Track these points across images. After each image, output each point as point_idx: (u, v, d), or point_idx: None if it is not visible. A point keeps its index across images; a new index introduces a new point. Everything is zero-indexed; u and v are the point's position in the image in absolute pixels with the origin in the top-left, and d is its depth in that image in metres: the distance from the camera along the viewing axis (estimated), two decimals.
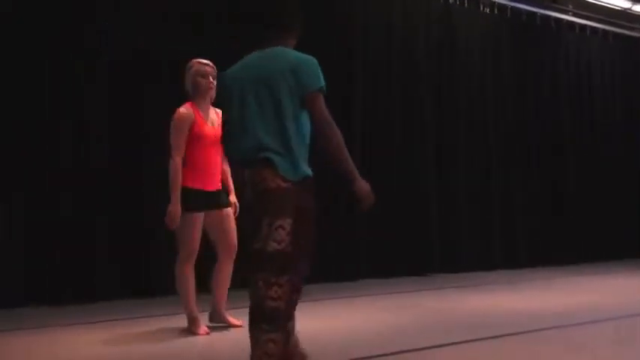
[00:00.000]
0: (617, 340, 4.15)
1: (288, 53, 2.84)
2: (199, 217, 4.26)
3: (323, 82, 2.79)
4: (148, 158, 6.00)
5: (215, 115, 4.41)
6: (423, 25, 8.23)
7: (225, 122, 2.95)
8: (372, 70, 7.74)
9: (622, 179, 10.10)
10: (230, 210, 4.43)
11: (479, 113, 8.68)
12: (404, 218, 7.66)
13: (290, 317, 2.86)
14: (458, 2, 8.68)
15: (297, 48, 2.96)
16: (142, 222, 5.97)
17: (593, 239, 9.53)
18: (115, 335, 4.31)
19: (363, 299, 6.01)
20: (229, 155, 3.02)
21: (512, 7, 9.15)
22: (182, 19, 6.29)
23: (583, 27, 9.94)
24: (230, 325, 4.40)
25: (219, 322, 4.44)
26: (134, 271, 5.96)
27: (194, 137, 4.25)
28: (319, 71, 2.80)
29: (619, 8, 10.05)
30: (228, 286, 4.47)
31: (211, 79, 4.36)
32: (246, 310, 2.74)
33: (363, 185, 2.78)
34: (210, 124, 4.34)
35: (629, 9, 10.10)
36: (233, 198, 4.50)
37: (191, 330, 4.28)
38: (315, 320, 4.52)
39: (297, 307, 2.93)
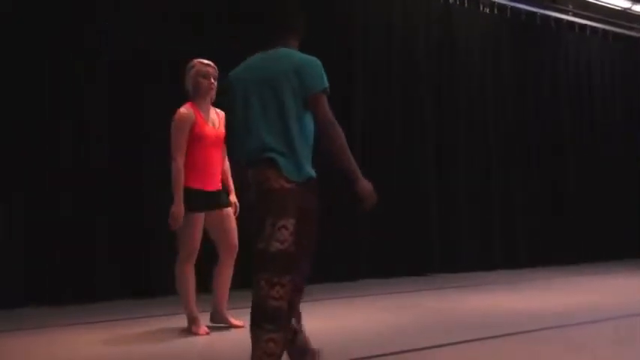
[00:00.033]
0: (617, 340, 4.15)
1: (291, 54, 2.85)
2: (200, 217, 4.26)
3: (327, 84, 2.80)
4: (148, 158, 6.00)
5: (215, 115, 4.41)
6: (423, 25, 8.23)
7: (228, 123, 2.96)
8: (372, 70, 7.74)
9: (622, 179, 10.10)
10: (230, 210, 4.43)
11: (479, 113, 8.68)
12: (404, 218, 7.66)
13: (291, 317, 2.86)
14: (458, 2, 8.68)
15: (298, 48, 2.96)
16: (142, 222, 5.98)
17: (593, 239, 9.53)
18: (115, 335, 4.31)
19: (363, 299, 6.01)
20: (233, 156, 3.02)
21: (512, 7, 9.15)
22: (182, 19, 6.29)
23: (583, 27, 9.94)
24: (231, 326, 4.40)
25: (220, 323, 4.44)
26: (134, 271, 5.96)
27: (195, 137, 4.25)
28: (323, 72, 2.81)
29: (619, 8, 10.05)
30: (229, 287, 4.47)
31: (212, 80, 4.36)
32: (248, 311, 2.75)
33: (366, 185, 2.79)
34: (210, 125, 4.34)
35: (629, 9, 10.10)
36: (233, 198, 4.50)
37: (191, 330, 4.28)
38: (315, 320, 4.50)
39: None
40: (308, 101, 2.78)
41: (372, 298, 6.05)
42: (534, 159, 9.22)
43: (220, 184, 4.43)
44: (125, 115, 6.02)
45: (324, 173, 2.91)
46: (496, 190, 8.76)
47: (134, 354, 3.83)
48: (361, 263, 7.37)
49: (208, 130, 4.31)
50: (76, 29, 5.87)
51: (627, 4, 10.01)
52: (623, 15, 10.26)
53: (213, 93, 4.37)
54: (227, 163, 4.50)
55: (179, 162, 4.20)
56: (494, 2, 9.00)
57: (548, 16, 9.53)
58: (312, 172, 2.82)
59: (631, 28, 10.50)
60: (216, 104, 4.43)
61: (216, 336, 4.25)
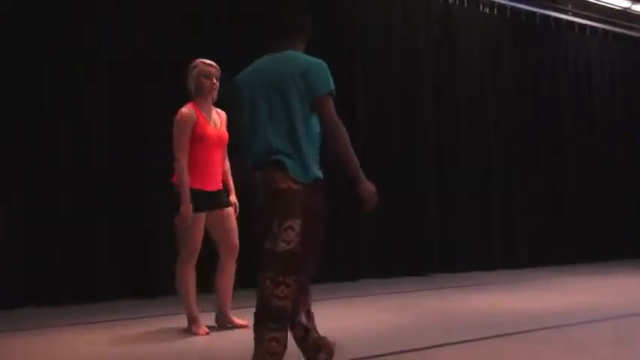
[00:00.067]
0: (616, 339, 4.15)
1: (298, 57, 2.87)
2: (201, 218, 4.26)
3: (332, 86, 2.83)
4: (148, 158, 6.01)
5: (217, 115, 4.41)
6: (423, 25, 8.23)
7: (235, 126, 2.98)
8: (372, 70, 7.74)
9: (622, 179, 10.10)
10: (231, 209, 4.43)
11: (479, 113, 8.69)
12: (404, 218, 7.66)
13: (293, 317, 2.88)
14: (458, 2, 8.68)
15: (304, 50, 2.98)
16: (142, 222, 5.98)
17: (593, 239, 9.53)
18: (115, 335, 4.31)
19: (363, 299, 6.01)
20: (242, 158, 3.03)
21: (512, 7, 9.15)
22: (182, 19, 6.30)
23: (583, 27, 9.94)
24: (236, 326, 4.39)
25: (225, 324, 4.42)
26: (134, 271, 5.96)
27: (196, 138, 4.25)
28: (329, 75, 2.85)
29: (619, 8, 10.06)
30: (232, 286, 4.47)
31: (215, 80, 4.36)
32: (251, 310, 2.75)
33: (369, 187, 2.83)
34: (212, 125, 4.34)
35: (629, 9, 10.10)
36: (233, 198, 4.51)
37: (191, 330, 4.28)
38: (316, 320, 4.50)
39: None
40: (314, 103, 2.80)
41: (372, 298, 6.05)
42: (534, 159, 9.23)
43: (221, 184, 4.43)
44: (125, 115, 6.02)
45: (329, 174, 2.92)
46: (496, 190, 8.76)
47: (134, 354, 3.83)
48: (361, 263, 7.37)
49: (210, 130, 4.31)
50: (76, 29, 5.87)
51: (627, 4, 10.02)
52: (623, 15, 10.26)
53: (215, 93, 4.37)
54: (227, 163, 4.51)
55: (182, 162, 4.19)
56: (494, 2, 9.01)
57: (548, 16, 9.53)
58: (319, 174, 2.84)
59: (631, 28, 10.50)
60: (217, 105, 4.44)
61: (216, 336, 4.25)
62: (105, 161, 5.91)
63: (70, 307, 5.46)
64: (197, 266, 4.35)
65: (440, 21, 8.41)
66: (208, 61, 4.39)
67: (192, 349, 3.99)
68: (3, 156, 5.54)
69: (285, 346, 2.73)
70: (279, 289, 2.69)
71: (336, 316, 4.97)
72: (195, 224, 4.22)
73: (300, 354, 2.98)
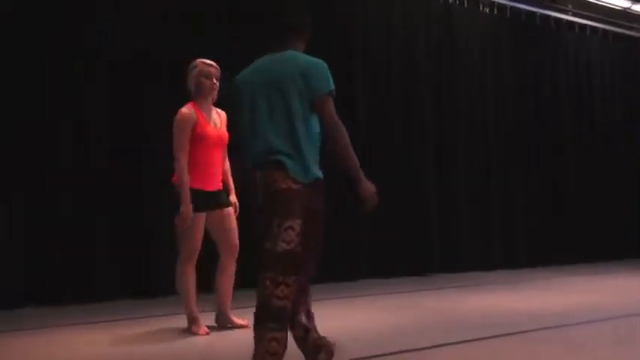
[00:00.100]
0: (616, 339, 4.15)
1: (298, 57, 2.88)
2: (201, 218, 4.26)
3: (332, 86, 2.84)
4: (148, 158, 6.01)
5: (217, 115, 4.41)
6: (423, 25, 8.23)
7: (235, 126, 2.98)
8: (372, 70, 7.74)
9: (622, 179, 10.10)
10: (231, 209, 4.43)
11: (479, 113, 8.68)
12: (404, 218, 7.66)
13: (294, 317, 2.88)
14: (458, 2, 8.68)
15: (304, 50, 2.99)
16: (142, 222, 5.98)
17: (593, 239, 9.53)
18: (115, 335, 4.31)
19: (363, 299, 6.01)
20: (242, 158, 3.04)
21: (512, 7, 9.15)
22: (182, 19, 6.30)
23: (583, 27, 9.94)
24: (236, 326, 4.39)
25: (225, 324, 4.42)
26: (134, 271, 5.96)
27: (197, 138, 4.25)
28: (329, 75, 2.85)
29: (619, 8, 10.06)
30: (232, 286, 4.47)
31: (215, 80, 4.36)
32: (251, 310, 2.76)
33: (369, 187, 2.83)
34: (212, 125, 4.34)
35: (629, 9, 10.10)
36: (233, 198, 4.51)
37: (191, 330, 4.28)
38: (315, 320, 4.51)
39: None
40: (314, 103, 2.81)
41: (372, 298, 6.05)
42: (534, 159, 9.23)
43: (221, 184, 4.43)
44: (125, 115, 6.02)
45: (329, 174, 2.92)
46: (496, 190, 8.76)
47: (134, 354, 3.83)
48: (361, 263, 7.37)
49: (210, 130, 4.31)
50: (76, 29, 5.87)
51: (627, 4, 10.02)
52: (623, 15, 10.26)
53: (215, 93, 4.37)
54: (227, 163, 4.51)
55: (183, 162, 4.19)
56: (494, 2, 9.01)
57: (548, 16, 9.53)
58: (319, 174, 2.85)
59: (631, 28, 10.50)
60: (217, 105, 4.44)
61: (216, 336, 4.25)
62: (105, 161, 5.91)
63: (70, 307, 5.46)
64: (197, 266, 4.35)
65: (440, 21, 8.41)
66: (208, 61, 4.39)
67: (192, 349, 3.99)
68: (3, 156, 5.54)
69: (285, 346, 2.73)
70: (279, 289, 2.69)
71: (336, 316, 4.96)
72: (195, 224, 4.22)
73: (300, 354, 2.98)
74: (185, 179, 4.17)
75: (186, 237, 4.24)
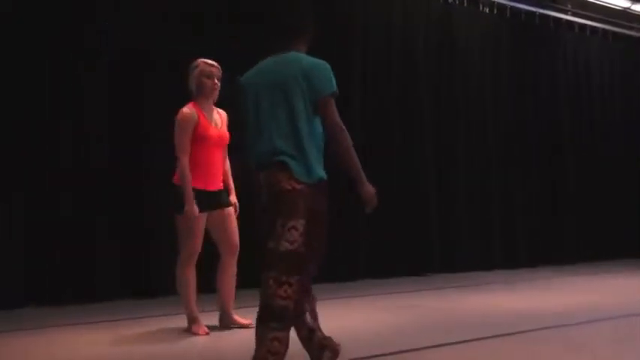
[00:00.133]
0: (616, 339, 4.15)
1: (300, 58, 2.89)
2: (202, 218, 4.26)
3: (335, 87, 2.86)
4: (148, 158, 6.01)
5: (218, 115, 4.42)
6: (423, 25, 8.23)
7: (240, 126, 3.00)
8: (372, 70, 7.74)
9: (622, 179, 10.10)
10: (231, 209, 4.44)
11: (478, 113, 8.69)
12: (404, 218, 7.66)
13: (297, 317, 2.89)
14: (457, 2, 8.68)
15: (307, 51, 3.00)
16: (142, 222, 5.98)
17: (593, 239, 9.53)
18: (115, 335, 4.31)
19: (362, 299, 6.01)
20: (246, 159, 3.05)
21: (512, 7, 9.15)
22: (182, 19, 6.29)
23: (582, 26, 9.94)
24: (240, 326, 4.39)
25: (228, 324, 4.42)
26: (134, 271, 5.96)
27: (198, 138, 4.25)
28: (331, 76, 2.87)
29: (618, 8, 10.06)
30: (235, 286, 4.47)
31: (216, 80, 4.36)
32: (254, 310, 2.76)
33: (369, 189, 2.86)
34: (213, 125, 4.35)
35: (629, 8, 10.10)
36: (233, 198, 4.51)
37: (191, 330, 4.29)
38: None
39: None
40: (317, 104, 2.82)
41: (371, 298, 6.05)
42: (534, 159, 9.23)
43: (222, 184, 4.43)
44: (125, 115, 6.02)
45: (331, 175, 2.93)
46: (496, 190, 8.76)
47: (134, 354, 3.83)
48: (361, 263, 7.37)
49: (211, 130, 4.31)
50: (76, 29, 5.87)
51: (627, 4, 10.02)
52: (623, 15, 10.26)
53: (217, 93, 4.38)
54: (228, 163, 4.52)
55: (184, 161, 4.20)
56: (494, 2, 9.00)
57: (548, 16, 9.53)
58: (323, 174, 2.86)
59: (631, 28, 10.50)
60: (217, 105, 4.44)
61: (216, 336, 4.25)
62: (105, 161, 5.91)
63: (70, 307, 5.46)
64: (198, 266, 4.35)
65: (440, 21, 8.40)
66: (210, 61, 4.39)
67: (193, 349, 3.99)
68: (3, 156, 5.53)
69: (286, 346, 2.74)
70: (282, 288, 2.70)
71: (335, 316, 4.96)
72: (196, 224, 4.23)
73: (305, 354, 2.99)
74: (188, 178, 4.17)
75: (188, 237, 4.25)
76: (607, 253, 9.50)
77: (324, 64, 2.87)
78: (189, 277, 4.30)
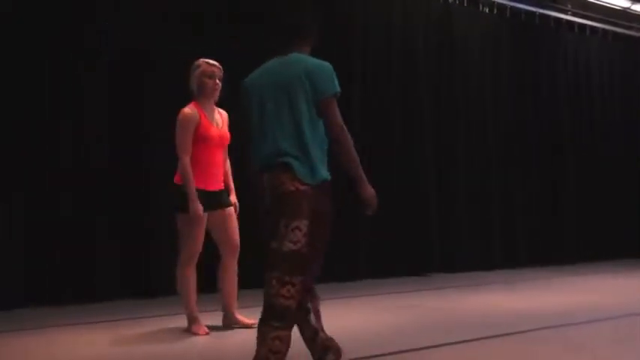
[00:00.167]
0: (616, 339, 4.15)
1: (303, 59, 2.90)
2: (202, 218, 4.26)
3: (337, 88, 2.86)
4: (148, 158, 6.01)
5: (219, 115, 4.42)
6: (423, 25, 8.23)
7: (244, 127, 3.00)
8: (372, 70, 7.74)
9: (622, 179, 10.10)
10: (232, 209, 4.44)
11: (478, 113, 8.69)
12: (404, 218, 7.66)
13: (300, 318, 2.90)
14: (458, 2, 8.68)
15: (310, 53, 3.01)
16: (142, 222, 5.98)
17: (593, 239, 9.53)
18: (115, 336, 4.32)
19: (362, 299, 6.01)
20: (250, 160, 3.05)
21: (512, 7, 9.15)
22: (182, 19, 6.29)
23: (582, 26, 9.94)
24: (243, 325, 4.38)
25: (231, 324, 4.42)
26: (134, 271, 5.96)
27: (199, 138, 4.25)
28: (334, 77, 2.87)
29: (618, 8, 10.06)
30: (237, 286, 4.47)
31: (217, 81, 4.36)
32: (257, 309, 2.77)
33: (370, 191, 2.87)
34: (215, 125, 4.35)
35: (629, 8, 10.10)
36: (234, 198, 4.51)
37: (191, 330, 4.29)
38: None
39: None
40: (319, 105, 2.82)
41: (371, 298, 6.06)
42: (534, 159, 9.23)
43: (222, 184, 4.43)
44: (125, 115, 6.02)
45: (334, 175, 2.94)
46: (496, 190, 8.76)
47: (134, 354, 3.83)
48: (361, 263, 7.37)
49: (213, 130, 4.31)
50: (76, 29, 5.87)
51: (627, 4, 10.02)
52: (623, 15, 10.26)
53: (218, 93, 4.38)
54: (228, 163, 4.52)
55: (186, 161, 4.20)
56: (494, 2, 9.00)
57: (548, 16, 9.53)
58: (327, 175, 2.87)
59: (631, 28, 10.50)
60: (217, 105, 4.44)
61: (216, 336, 4.26)
62: (105, 161, 5.91)
63: (70, 307, 5.46)
64: (198, 267, 4.35)
65: (440, 21, 8.40)
66: (211, 62, 4.39)
67: (192, 349, 3.99)
68: (3, 156, 5.53)
69: (288, 345, 2.75)
70: (285, 288, 2.71)
71: (335, 316, 4.96)
72: (197, 224, 4.23)
73: (308, 354, 2.99)
74: (190, 178, 4.17)
75: (188, 237, 4.25)
76: (607, 253, 9.50)
77: (327, 66, 2.88)
78: (189, 277, 4.30)
